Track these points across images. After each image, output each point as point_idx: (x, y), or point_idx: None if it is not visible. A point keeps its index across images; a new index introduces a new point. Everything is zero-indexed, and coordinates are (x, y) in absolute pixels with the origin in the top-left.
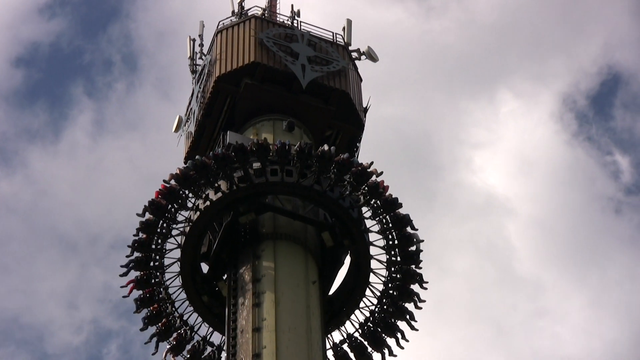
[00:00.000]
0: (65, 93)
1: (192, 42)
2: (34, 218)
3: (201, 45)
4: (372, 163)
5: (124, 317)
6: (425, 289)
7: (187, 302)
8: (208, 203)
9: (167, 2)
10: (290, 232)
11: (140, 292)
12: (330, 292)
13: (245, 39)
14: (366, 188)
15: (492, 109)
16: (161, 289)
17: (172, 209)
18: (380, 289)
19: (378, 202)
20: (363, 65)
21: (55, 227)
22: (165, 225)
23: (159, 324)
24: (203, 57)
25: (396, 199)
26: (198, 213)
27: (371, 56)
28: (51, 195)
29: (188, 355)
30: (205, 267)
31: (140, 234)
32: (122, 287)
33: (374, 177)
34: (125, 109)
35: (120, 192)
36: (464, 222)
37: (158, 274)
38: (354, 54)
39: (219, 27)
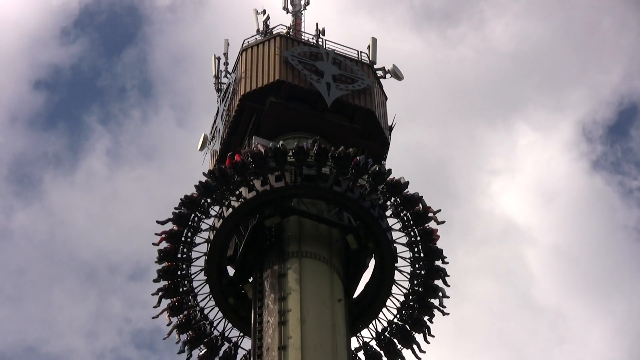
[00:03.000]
0: (83, 120)
1: (216, 61)
2: (52, 248)
3: (226, 63)
4: (407, 183)
5: (144, 346)
6: (448, 285)
7: (215, 308)
8: (231, 210)
9: (184, 24)
10: (315, 237)
11: (169, 300)
12: (356, 295)
13: (270, 57)
14: (385, 187)
15: (510, 137)
16: (190, 297)
17: (196, 218)
18: (406, 287)
19: (398, 199)
20: (387, 83)
21: (73, 257)
22: (189, 234)
23: (189, 332)
24: (228, 75)
25: (415, 194)
26: (221, 221)
27: (396, 74)
28: (69, 225)
29: None
30: (231, 271)
31: (166, 244)
32: (152, 294)
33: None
34: (141, 137)
35: (138, 222)
36: (482, 249)
37: (186, 282)
38: (379, 72)
39: (243, 45)
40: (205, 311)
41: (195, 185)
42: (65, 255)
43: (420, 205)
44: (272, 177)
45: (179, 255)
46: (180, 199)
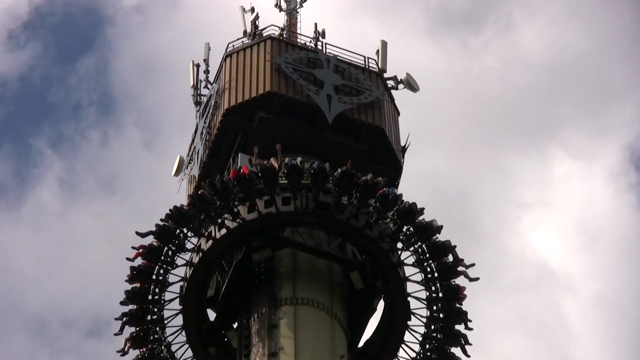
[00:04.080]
0: (30, 143)
1: (195, 68)
2: None
3: (206, 71)
4: (440, 228)
5: None
6: (471, 329)
7: (186, 345)
8: (210, 242)
9: (154, 27)
10: (312, 275)
11: (137, 351)
12: (361, 344)
13: (260, 65)
14: (413, 229)
15: (544, 165)
16: (162, 347)
17: (169, 252)
18: (422, 333)
19: (411, 229)
20: (400, 96)
21: (20, 309)
22: (162, 271)
23: None
24: (209, 85)
25: (447, 242)
26: (200, 255)
27: (411, 85)
28: (14, 270)
29: None
30: (212, 314)
31: (133, 286)
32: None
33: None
34: (100, 164)
35: (97, 268)
36: (511, 299)
37: (157, 329)
38: (390, 83)
39: (228, 50)
40: (174, 347)
41: (169, 213)
42: (10, 307)
43: (450, 255)
44: (260, 202)
45: (154, 277)
46: (170, 210)
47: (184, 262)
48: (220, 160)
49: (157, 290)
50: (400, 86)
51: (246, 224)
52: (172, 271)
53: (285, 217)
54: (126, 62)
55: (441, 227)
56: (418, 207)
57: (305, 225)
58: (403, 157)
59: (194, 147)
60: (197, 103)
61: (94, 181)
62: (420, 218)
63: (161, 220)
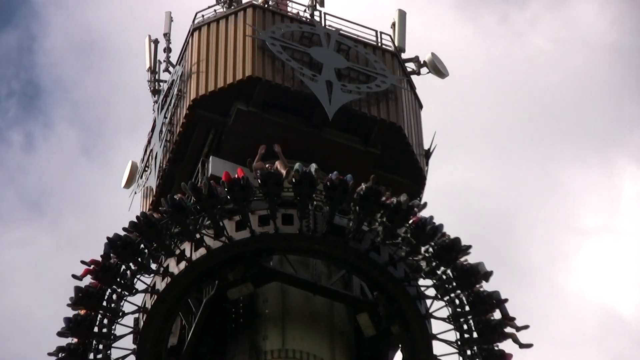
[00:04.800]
0: None
1: (152, 45)
2: None
3: (167, 50)
4: (489, 274)
5: None
6: None
7: None
8: (167, 280)
9: None
10: (307, 319)
11: None
12: None
13: (238, 41)
14: (432, 250)
15: (611, 180)
16: None
17: (128, 272)
18: None
19: (449, 271)
20: (423, 83)
21: None
22: (116, 296)
23: None
24: (170, 68)
25: (496, 293)
26: (155, 297)
27: (437, 69)
28: None
29: None
30: None
31: (76, 313)
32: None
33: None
34: (24, 176)
35: (20, 312)
36: (567, 353)
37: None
38: (410, 65)
39: (196, 21)
40: None
41: (135, 222)
42: None
43: (498, 311)
44: (254, 218)
45: (105, 304)
46: (137, 217)
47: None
48: (185, 167)
49: (106, 320)
50: (424, 70)
51: (234, 245)
52: (130, 298)
53: (286, 241)
54: (58, 39)
55: (490, 273)
56: (462, 243)
57: (309, 253)
58: (427, 164)
59: (151, 151)
60: (155, 92)
61: (15, 199)
62: (463, 259)
63: (124, 229)
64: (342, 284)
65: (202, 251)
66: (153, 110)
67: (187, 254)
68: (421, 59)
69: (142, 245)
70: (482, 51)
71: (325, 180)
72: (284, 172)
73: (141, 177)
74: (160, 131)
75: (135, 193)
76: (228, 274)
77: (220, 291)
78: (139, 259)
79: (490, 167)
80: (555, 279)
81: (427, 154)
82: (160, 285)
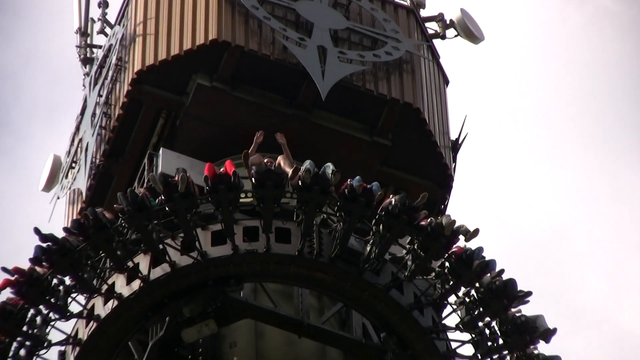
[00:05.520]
0: None
1: (82, 0)
2: None
3: (104, 3)
4: (552, 332)
5: None
6: None
7: None
8: (113, 303)
9: None
10: None
11: None
12: None
13: None
14: (478, 293)
15: None
16: None
17: (61, 287)
18: None
19: (498, 324)
20: (449, 51)
21: None
22: (39, 320)
23: None
24: (108, 29)
25: (537, 319)
26: (94, 325)
27: (468, 31)
28: None
29: None
30: None
31: None
32: None
33: None
34: None
35: None
36: None
37: None
38: (431, 27)
39: None
40: None
41: (78, 220)
42: None
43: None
44: (238, 230)
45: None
46: (82, 214)
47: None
48: (126, 163)
49: (24, 351)
50: (451, 33)
51: (208, 264)
52: (61, 322)
53: (280, 265)
54: None
55: (553, 331)
56: (518, 287)
57: (308, 283)
58: (454, 160)
59: (80, 141)
60: (86, 61)
61: None
62: (517, 309)
63: (65, 230)
64: (337, 322)
65: (163, 268)
66: (83, 86)
67: (144, 270)
68: (447, 18)
69: (84, 254)
70: (529, 11)
71: (341, 187)
72: (289, 171)
73: (66, 177)
74: (93, 115)
75: (59, 198)
76: (182, 308)
77: (172, 331)
78: (80, 272)
79: (537, 166)
80: (622, 321)
81: (455, 146)
82: (103, 310)
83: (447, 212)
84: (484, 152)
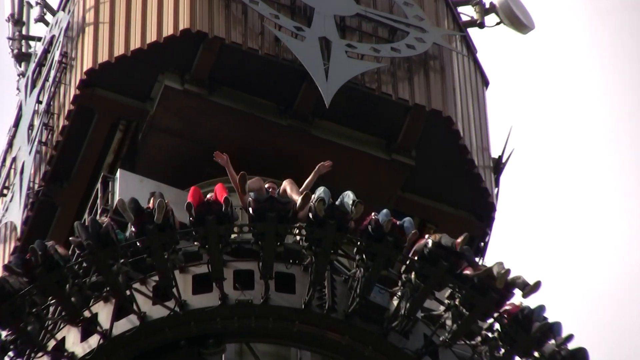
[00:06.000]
0: None
1: None
2: None
3: None
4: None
5: None
6: None
7: None
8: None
9: None
10: None
11: None
12: None
13: None
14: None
15: None
16: None
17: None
18: None
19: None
20: (490, 45)
21: None
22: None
23: None
24: (49, 17)
25: None
26: None
27: (514, 18)
28: None
29: None
30: None
31: None
32: None
33: None
34: None
35: None
36: None
37: None
38: (468, 12)
39: None
40: None
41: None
42: None
43: None
44: (228, 274)
45: None
46: (38, 244)
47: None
48: (73, 189)
49: None
50: (491, 20)
51: (189, 317)
52: None
53: (281, 320)
54: None
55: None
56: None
57: (315, 345)
58: (497, 184)
59: (14, 160)
60: (21, 58)
61: None
62: None
63: (5, 267)
64: None
65: (130, 321)
66: (17, 89)
67: (104, 323)
68: (486, 3)
69: (28, 299)
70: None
71: (363, 222)
72: (297, 199)
73: None
74: (31, 127)
75: None
76: None
77: None
78: (21, 323)
79: (606, 193)
80: None
81: (498, 165)
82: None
83: (489, 253)
84: (535, 173)
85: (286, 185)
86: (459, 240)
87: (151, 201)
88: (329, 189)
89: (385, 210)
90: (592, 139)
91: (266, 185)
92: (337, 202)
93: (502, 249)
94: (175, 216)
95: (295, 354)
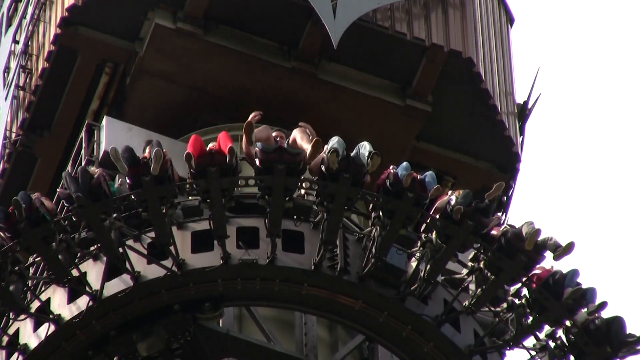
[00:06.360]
0: None
1: None
2: None
3: None
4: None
5: None
6: None
7: None
8: (49, 328)
9: None
10: None
11: None
12: None
13: None
14: (568, 332)
15: None
16: None
17: None
18: None
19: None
20: None
21: None
22: None
23: None
24: None
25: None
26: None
27: None
28: None
29: None
30: None
31: None
32: None
33: None
34: None
35: None
36: None
37: None
38: None
39: None
40: None
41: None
42: None
43: None
44: (182, 238)
45: None
46: (22, 196)
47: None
48: (55, 139)
49: None
50: None
51: (187, 277)
52: None
53: (289, 283)
54: None
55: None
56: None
57: (326, 310)
58: (522, 133)
59: None
60: None
61: None
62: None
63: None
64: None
65: (122, 281)
66: None
67: (94, 283)
68: None
69: (10, 257)
70: None
71: (381, 177)
72: (308, 148)
73: None
74: (7, 70)
75: None
76: (137, 344)
77: (126, 345)
78: (2, 282)
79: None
80: None
81: (523, 111)
82: (32, 338)
83: (512, 208)
84: (563, 121)
85: (296, 134)
86: (491, 192)
87: (147, 150)
88: (338, 137)
89: (404, 164)
90: (626, 83)
91: (274, 134)
92: (352, 154)
93: (527, 205)
94: (174, 167)
95: (299, 318)
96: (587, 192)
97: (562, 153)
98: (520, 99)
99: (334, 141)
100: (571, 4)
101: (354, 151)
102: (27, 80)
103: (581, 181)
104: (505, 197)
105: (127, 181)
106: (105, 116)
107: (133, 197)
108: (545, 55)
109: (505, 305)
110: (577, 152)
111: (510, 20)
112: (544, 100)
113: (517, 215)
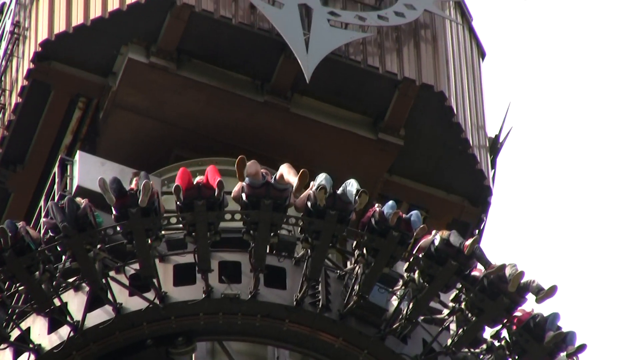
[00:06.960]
0: None
1: None
2: None
3: None
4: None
5: None
6: None
7: None
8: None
9: None
10: None
11: None
12: None
13: None
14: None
15: None
16: None
17: None
18: None
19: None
20: (488, 9)
21: None
22: None
23: None
24: None
25: None
26: None
27: None
28: None
29: None
30: None
31: None
32: None
33: None
34: None
35: None
36: None
37: None
38: None
39: None
40: None
41: None
42: None
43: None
44: (164, 271)
45: None
46: (7, 224)
47: None
48: (27, 173)
49: None
50: None
51: (169, 311)
52: None
53: (270, 318)
54: None
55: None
56: None
57: (305, 346)
58: (493, 166)
59: None
60: None
61: None
62: None
63: None
64: None
65: (104, 312)
66: None
67: (75, 314)
68: None
69: None
70: None
71: (366, 214)
72: (294, 181)
73: None
74: None
75: None
76: None
77: None
78: None
79: (616, 174)
80: None
81: (495, 146)
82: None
83: (484, 242)
84: (535, 154)
85: (283, 169)
86: (468, 243)
87: (134, 182)
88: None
89: (390, 202)
90: (597, 117)
91: (262, 170)
92: (338, 191)
93: (498, 238)
94: (160, 200)
95: (272, 352)
96: (559, 227)
97: (534, 187)
98: (491, 132)
99: (322, 178)
100: (542, 39)
101: (341, 188)
102: (1, 115)
103: (552, 215)
104: (476, 230)
105: (114, 212)
106: (78, 151)
107: (119, 229)
108: (516, 89)
109: (484, 346)
110: (548, 187)
111: (482, 54)
112: (515, 135)
113: (488, 248)
